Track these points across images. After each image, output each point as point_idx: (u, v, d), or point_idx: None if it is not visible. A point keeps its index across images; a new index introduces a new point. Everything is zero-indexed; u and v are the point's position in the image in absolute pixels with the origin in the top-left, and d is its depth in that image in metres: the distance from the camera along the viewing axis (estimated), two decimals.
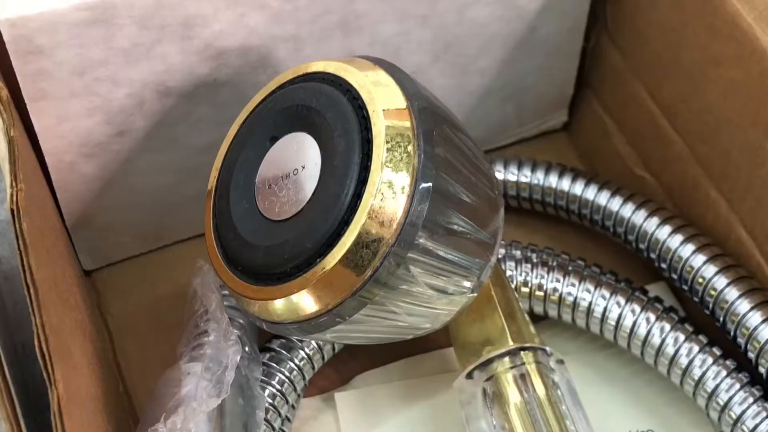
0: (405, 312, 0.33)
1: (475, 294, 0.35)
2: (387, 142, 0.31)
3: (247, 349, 0.36)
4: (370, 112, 0.31)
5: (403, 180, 0.31)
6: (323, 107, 0.32)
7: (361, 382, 0.42)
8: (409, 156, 0.31)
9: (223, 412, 0.33)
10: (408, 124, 0.31)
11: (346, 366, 0.42)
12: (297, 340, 0.39)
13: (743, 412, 0.38)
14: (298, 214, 0.32)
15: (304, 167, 0.32)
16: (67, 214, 0.41)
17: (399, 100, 0.32)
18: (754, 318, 0.39)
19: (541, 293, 0.41)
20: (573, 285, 0.41)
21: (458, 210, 0.32)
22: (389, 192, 0.30)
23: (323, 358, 0.40)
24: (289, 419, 0.39)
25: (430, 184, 0.31)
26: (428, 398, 0.41)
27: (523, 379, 0.37)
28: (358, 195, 0.31)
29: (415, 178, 0.31)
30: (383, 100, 0.32)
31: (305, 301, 0.31)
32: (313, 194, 0.31)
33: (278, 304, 0.32)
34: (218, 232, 0.34)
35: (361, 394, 0.41)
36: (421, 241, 0.31)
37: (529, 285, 0.41)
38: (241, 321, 0.38)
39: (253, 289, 0.32)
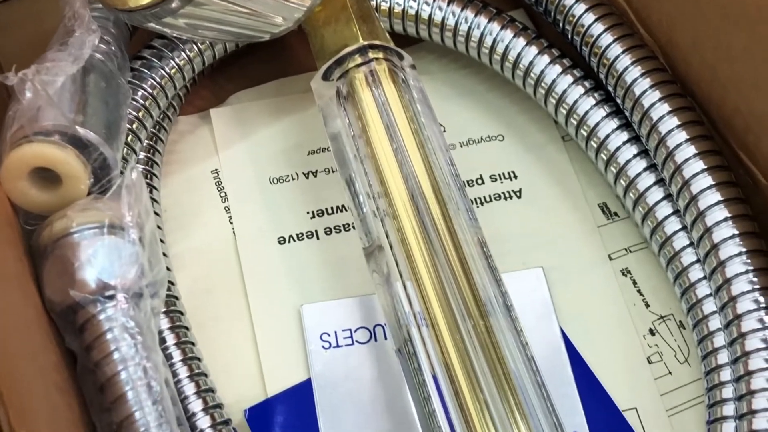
0: None
1: None
2: None
3: (114, 48, 0.39)
4: None
5: None
6: None
7: (235, 100, 0.45)
8: None
9: (86, 90, 0.36)
10: None
11: (222, 88, 0.45)
12: (167, 50, 0.42)
13: (586, 112, 0.41)
14: None
15: None
16: None
17: None
18: (606, 38, 0.41)
19: (412, 13, 0.44)
20: (440, 9, 0.44)
21: None
22: None
23: (193, 69, 0.43)
24: (165, 128, 0.42)
25: None
26: (297, 113, 0.44)
27: (373, 76, 0.40)
28: None
29: None
30: None
31: None
32: None
33: None
34: None
35: (235, 110, 0.44)
36: None
37: (402, 5, 0.44)
38: (112, 31, 0.40)
39: None
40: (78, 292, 0.33)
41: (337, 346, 0.39)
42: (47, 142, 0.34)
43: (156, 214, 0.40)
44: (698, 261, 0.37)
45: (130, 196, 0.34)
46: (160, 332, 0.37)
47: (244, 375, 0.39)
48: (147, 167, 0.41)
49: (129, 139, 0.39)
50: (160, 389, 0.32)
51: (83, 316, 0.33)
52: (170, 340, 0.37)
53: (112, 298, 0.33)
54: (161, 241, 0.39)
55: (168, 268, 0.38)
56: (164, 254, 0.39)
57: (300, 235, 0.42)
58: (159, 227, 0.40)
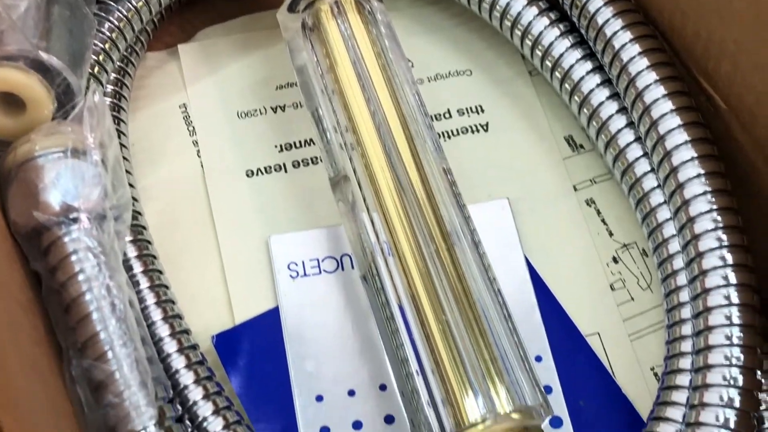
0: None
1: None
2: None
3: None
4: None
5: None
6: None
7: (203, 36, 0.45)
8: None
9: (50, 18, 0.36)
10: None
11: (190, 24, 0.45)
12: None
13: (551, 44, 0.41)
14: None
15: None
16: None
17: None
18: None
19: None
20: None
21: None
22: None
23: (160, 3, 0.42)
24: (132, 63, 0.42)
25: None
26: (265, 48, 0.44)
27: (339, 8, 0.40)
28: None
29: None
30: None
31: None
32: None
33: None
34: None
35: (203, 46, 0.44)
36: None
37: None
38: None
39: None
40: (42, 213, 0.33)
41: (305, 275, 0.40)
42: (11, 66, 0.35)
43: (123, 146, 0.40)
44: (659, 186, 0.38)
45: (92, 118, 0.34)
46: (127, 260, 0.37)
47: (211, 304, 0.39)
48: (114, 100, 0.41)
49: (95, 70, 0.39)
50: (124, 308, 0.33)
51: (48, 239, 0.33)
52: (137, 267, 0.37)
53: (76, 220, 0.33)
54: (128, 172, 0.39)
55: (135, 199, 0.39)
56: (131, 185, 0.39)
57: (268, 168, 0.42)
58: (126, 159, 0.40)
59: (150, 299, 0.37)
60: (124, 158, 0.39)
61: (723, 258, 0.34)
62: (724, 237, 0.35)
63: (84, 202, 0.33)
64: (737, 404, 0.33)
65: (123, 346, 0.32)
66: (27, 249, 0.34)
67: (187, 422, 0.35)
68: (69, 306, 0.33)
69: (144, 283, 0.37)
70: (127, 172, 0.39)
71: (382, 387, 0.38)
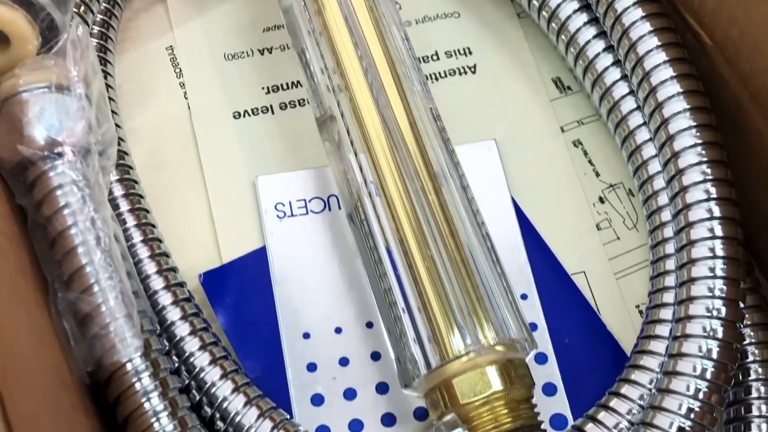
0: None
1: None
2: None
3: None
4: None
5: None
6: None
7: None
8: None
9: None
10: None
11: None
12: None
13: None
14: None
15: None
16: None
17: None
18: None
19: None
20: None
21: None
22: None
23: None
24: (119, 4, 0.42)
25: None
26: None
27: None
28: None
29: None
30: None
31: None
32: None
33: None
34: None
35: None
36: None
37: None
38: None
39: None
40: (27, 148, 0.33)
41: (292, 215, 0.40)
42: None
43: (110, 87, 0.40)
44: (645, 124, 0.38)
45: (76, 51, 0.34)
46: (114, 199, 0.37)
47: (199, 244, 0.39)
48: (101, 41, 0.41)
49: (81, 10, 0.39)
50: (109, 241, 0.33)
51: (33, 173, 0.33)
52: (124, 205, 0.37)
53: (60, 155, 0.33)
54: (114, 113, 0.39)
55: (121, 139, 0.39)
56: (118, 126, 0.39)
57: (255, 110, 0.42)
58: (112, 100, 0.40)
59: (137, 237, 0.37)
60: (111, 99, 0.39)
61: (707, 191, 0.34)
62: (709, 171, 0.35)
63: (68, 136, 0.33)
64: (720, 335, 0.33)
65: (108, 279, 0.32)
66: (12, 184, 0.34)
67: (174, 358, 0.35)
68: (55, 240, 0.33)
69: (131, 221, 0.37)
70: (114, 113, 0.39)
71: (369, 324, 0.38)
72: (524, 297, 0.38)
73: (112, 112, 0.39)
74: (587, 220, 0.40)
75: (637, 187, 0.38)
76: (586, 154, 0.41)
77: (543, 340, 0.38)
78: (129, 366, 0.32)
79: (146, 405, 0.32)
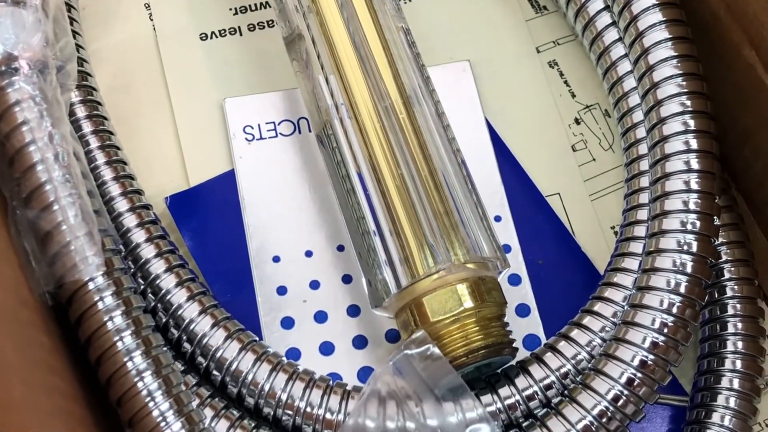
0: None
1: None
2: None
3: None
4: None
5: None
6: None
7: None
8: None
9: None
10: None
11: None
12: None
13: None
14: None
15: None
16: None
17: None
18: None
19: None
20: None
21: None
22: None
23: None
24: None
25: None
26: None
27: None
28: None
29: None
30: None
31: None
32: None
33: None
34: None
35: None
36: None
37: None
38: None
39: None
40: None
41: (261, 138, 0.39)
42: None
43: (73, 8, 0.39)
44: (620, 39, 0.37)
45: None
46: (77, 120, 0.36)
47: (165, 167, 0.39)
48: None
49: None
50: (68, 158, 0.32)
51: None
52: (87, 127, 0.36)
53: (17, 70, 0.32)
54: (77, 33, 0.38)
55: (84, 60, 0.38)
56: (81, 47, 0.38)
57: (222, 32, 0.41)
58: (75, 20, 0.38)
59: (100, 158, 0.36)
60: (74, 20, 0.38)
61: (683, 104, 0.34)
62: (684, 84, 0.34)
63: (24, 50, 0.32)
64: (694, 249, 0.32)
65: (68, 196, 0.31)
66: None
67: (140, 281, 0.34)
68: (13, 157, 0.32)
69: (94, 143, 0.36)
70: (77, 33, 0.38)
71: (340, 248, 0.37)
72: (498, 219, 0.38)
73: (75, 32, 0.37)
74: (562, 142, 0.39)
75: (612, 104, 0.37)
76: (561, 75, 0.41)
77: (516, 262, 0.37)
78: (91, 285, 0.31)
79: (109, 324, 0.31)
